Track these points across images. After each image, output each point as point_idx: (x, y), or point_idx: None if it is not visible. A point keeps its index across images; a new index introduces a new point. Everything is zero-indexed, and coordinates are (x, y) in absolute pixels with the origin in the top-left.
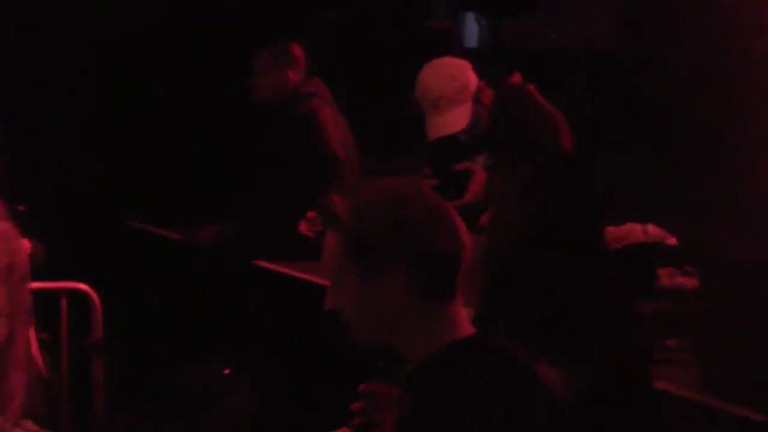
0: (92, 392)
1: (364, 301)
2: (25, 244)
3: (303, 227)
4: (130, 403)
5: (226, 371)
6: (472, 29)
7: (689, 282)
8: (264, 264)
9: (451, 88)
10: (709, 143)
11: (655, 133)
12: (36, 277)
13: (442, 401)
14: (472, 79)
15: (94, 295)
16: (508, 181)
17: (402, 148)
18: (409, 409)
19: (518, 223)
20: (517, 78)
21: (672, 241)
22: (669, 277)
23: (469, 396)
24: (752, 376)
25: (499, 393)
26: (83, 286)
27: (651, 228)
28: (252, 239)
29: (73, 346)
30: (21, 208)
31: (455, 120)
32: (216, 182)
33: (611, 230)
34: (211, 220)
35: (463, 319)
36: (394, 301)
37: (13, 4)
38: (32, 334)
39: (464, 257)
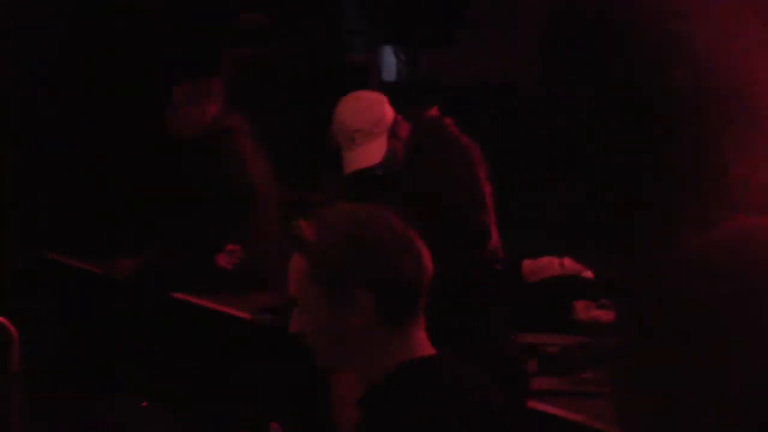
0: (10, 425)
1: (328, 325)
2: None
3: (222, 260)
4: None
5: (144, 403)
6: (390, 63)
7: (605, 315)
8: (181, 296)
9: (367, 122)
10: (622, 174)
11: (567, 167)
12: None
13: (393, 420)
14: (388, 113)
15: (12, 328)
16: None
17: (320, 182)
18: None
19: None
20: (434, 111)
21: (588, 274)
22: (586, 310)
23: (418, 414)
24: (667, 410)
25: (446, 411)
26: (1, 319)
27: (567, 261)
28: (170, 272)
29: None
30: None
31: (371, 153)
32: (135, 215)
33: (528, 263)
34: (129, 253)
35: (424, 341)
36: (358, 326)
37: None
38: None
39: (427, 282)
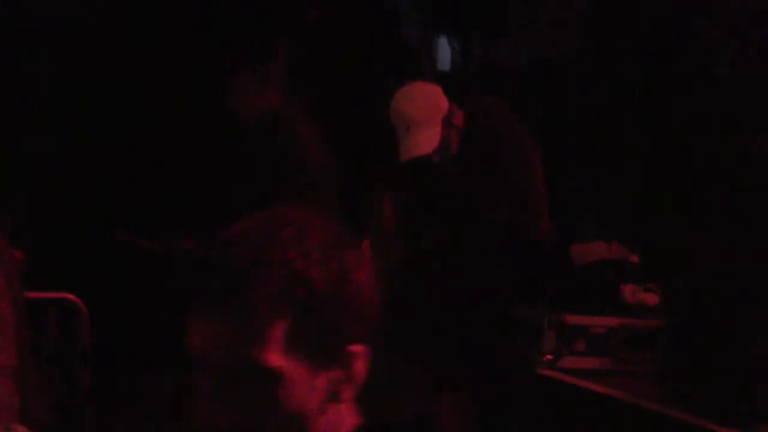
0: (77, 397)
1: None
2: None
3: None
4: (114, 408)
5: None
6: (444, 53)
7: (651, 298)
8: None
9: (421, 112)
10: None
11: (613, 150)
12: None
13: None
14: (443, 102)
15: (81, 305)
16: None
17: (374, 165)
18: None
19: None
20: (490, 100)
21: (635, 258)
22: (632, 294)
23: None
24: (710, 390)
25: None
26: (70, 296)
27: (615, 246)
28: None
29: (61, 354)
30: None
31: (426, 142)
32: (198, 197)
33: (577, 247)
34: (191, 234)
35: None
36: None
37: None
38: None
39: None
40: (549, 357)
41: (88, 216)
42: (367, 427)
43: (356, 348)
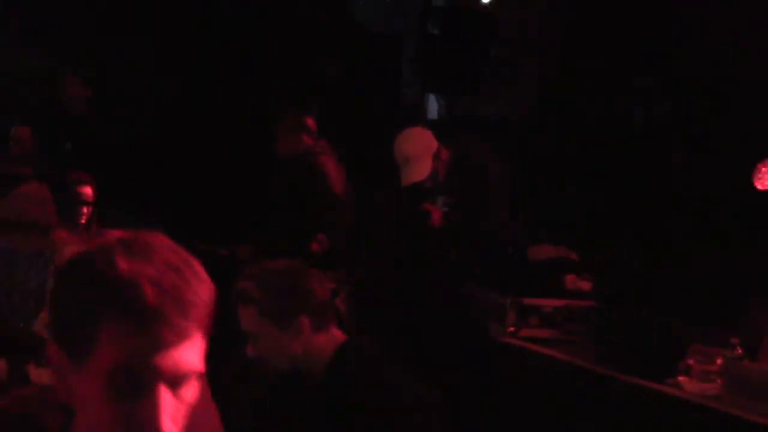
0: None
1: (279, 344)
2: None
3: (315, 246)
4: None
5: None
6: (433, 106)
7: (586, 285)
8: None
9: (417, 149)
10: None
11: (561, 179)
12: None
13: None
14: (433, 142)
15: None
16: None
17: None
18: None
19: None
20: (469, 142)
21: (574, 256)
22: (572, 283)
23: (363, 379)
24: (628, 352)
25: (378, 367)
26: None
27: (560, 248)
28: (278, 255)
29: None
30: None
31: (419, 171)
32: (253, 214)
33: (532, 248)
34: (248, 241)
35: (338, 332)
36: (301, 338)
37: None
38: None
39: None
40: (511, 329)
41: (177, 229)
42: None
43: None
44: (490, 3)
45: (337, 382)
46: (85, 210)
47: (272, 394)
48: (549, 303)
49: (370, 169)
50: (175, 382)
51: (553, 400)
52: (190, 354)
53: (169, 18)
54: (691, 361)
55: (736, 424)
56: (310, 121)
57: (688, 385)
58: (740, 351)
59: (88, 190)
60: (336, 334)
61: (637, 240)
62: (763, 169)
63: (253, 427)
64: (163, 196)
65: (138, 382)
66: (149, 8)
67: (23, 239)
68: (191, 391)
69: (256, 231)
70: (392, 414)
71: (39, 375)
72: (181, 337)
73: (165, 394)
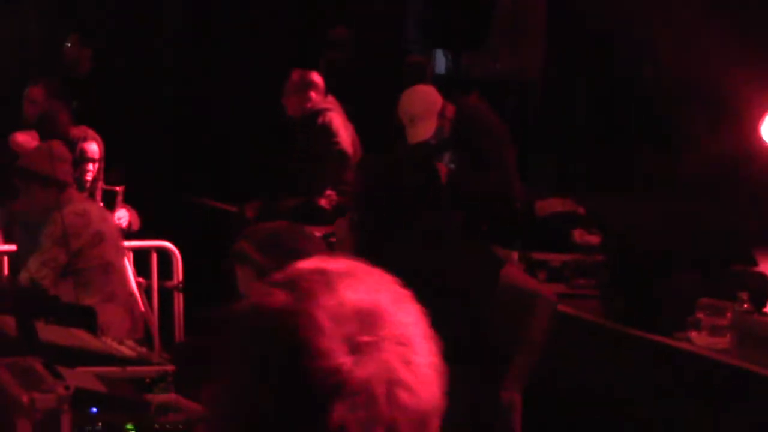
0: (174, 321)
1: None
2: (122, 215)
3: (323, 201)
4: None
5: None
6: (440, 61)
7: (594, 239)
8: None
9: (421, 107)
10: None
11: (568, 139)
12: (135, 238)
13: None
14: (438, 100)
15: (176, 251)
16: None
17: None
18: None
19: None
20: (473, 98)
21: (582, 210)
22: (580, 237)
23: None
24: (636, 307)
25: None
26: (168, 244)
27: (567, 201)
28: (285, 210)
29: (160, 288)
30: (119, 188)
31: (425, 130)
32: (261, 171)
33: (539, 202)
34: (256, 197)
35: None
36: None
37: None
38: (132, 279)
39: None
40: None
41: (187, 186)
42: None
43: None
44: None
45: None
46: (90, 167)
47: None
48: (557, 257)
49: (377, 128)
50: None
51: (561, 355)
52: None
53: None
54: (700, 315)
55: (746, 377)
56: (317, 78)
57: (697, 339)
58: (748, 305)
59: (93, 147)
60: None
61: (645, 194)
62: None
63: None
64: (172, 153)
65: None
66: None
67: (40, 193)
68: None
69: (265, 188)
70: None
71: (47, 332)
72: None
73: None
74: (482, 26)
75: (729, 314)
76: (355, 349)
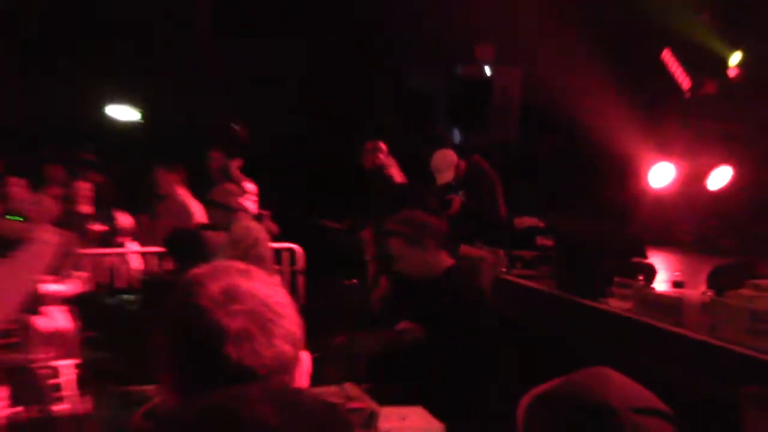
0: (297, 298)
1: (417, 258)
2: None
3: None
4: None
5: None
6: (456, 135)
7: (549, 242)
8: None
9: (444, 163)
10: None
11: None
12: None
13: (453, 294)
14: (454, 158)
15: (300, 250)
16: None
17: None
18: (440, 297)
19: None
20: (476, 157)
21: (542, 224)
22: (541, 240)
23: (467, 289)
24: (574, 282)
25: (476, 283)
26: (295, 245)
27: (534, 219)
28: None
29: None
30: (265, 212)
31: (447, 177)
32: (350, 199)
33: (517, 219)
34: (349, 217)
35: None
36: (429, 253)
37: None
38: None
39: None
40: (504, 270)
41: (310, 208)
42: None
43: None
44: (490, 75)
45: (450, 280)
46: (252, 199)
47: (407, 289)
48: (528, 254)
49: (418, 175)
50: None
51: (530, 315)
52: None
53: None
54: (614, 289)
55: (641, 325)
56: (383, 145)
57: (613, 302)
58: (643, 282)
59: (251, 187)
60: (447, 256)
61: (580, 215)
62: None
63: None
64: (304, 190)
65: None
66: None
67: (222, 216)
68: None
69: (356, 212)
70: (480, 305)
71: (41, 324)
72: None
73: None
74: (481, 116)
75: (632, 289)
76: (230, 312)
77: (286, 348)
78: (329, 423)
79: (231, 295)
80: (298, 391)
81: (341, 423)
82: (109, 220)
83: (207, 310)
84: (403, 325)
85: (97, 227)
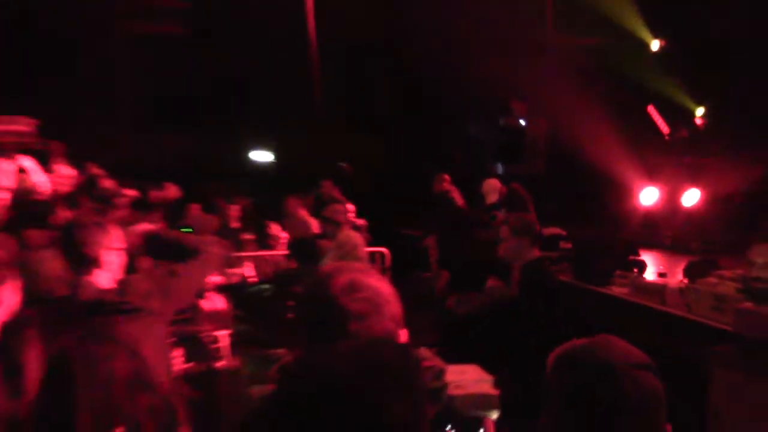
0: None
1: (517, 247)
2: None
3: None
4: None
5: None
6: (499, 167)
7: (568, 245)
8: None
9: (491, 188)
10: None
11: (558, 199)
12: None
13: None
14: (498, 185)
15: (388, 253)
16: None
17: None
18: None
19: None
20: (514, 184)
21: (564, 232)
22: (563, 244)
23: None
24: (589, 274)
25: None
26: (384, 249)
27: (557, 228)
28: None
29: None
30: (362, 224)
31: (493, 198)
32: (432, 215)
33: (545, 229)
34: (422, 229)
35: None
36: (526, 247)
37: None
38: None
39: None
40: None
41: (395, 221)
42: None
43: None
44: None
45: (536, 267)
46: (351, 215)
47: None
48: (553, 254)
49: (473, 197)
50: None
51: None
52: None
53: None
54: (616, 279)
55: (636, 307)
56: (447, 176)
57: (615, 289)
58: (637, 273)
59: (350, 207)
60: (538, 251)
61: (590, 225)
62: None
63: None
64: (391, 208)
65: None
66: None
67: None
68: None
69: (426, 225)
70: (555, 286)
71: (206, 305)
72: None
73: None
74: (518, 153)
75: (628, 279)
76: (353, 298)
77: (391, 325)
78: (399, 368)
79: (354, 286)
80: (382, 347)
81: (407, 367)
82: (260, 230)
83: (336, 296)
84: (491, 282)
85: (247, 236)
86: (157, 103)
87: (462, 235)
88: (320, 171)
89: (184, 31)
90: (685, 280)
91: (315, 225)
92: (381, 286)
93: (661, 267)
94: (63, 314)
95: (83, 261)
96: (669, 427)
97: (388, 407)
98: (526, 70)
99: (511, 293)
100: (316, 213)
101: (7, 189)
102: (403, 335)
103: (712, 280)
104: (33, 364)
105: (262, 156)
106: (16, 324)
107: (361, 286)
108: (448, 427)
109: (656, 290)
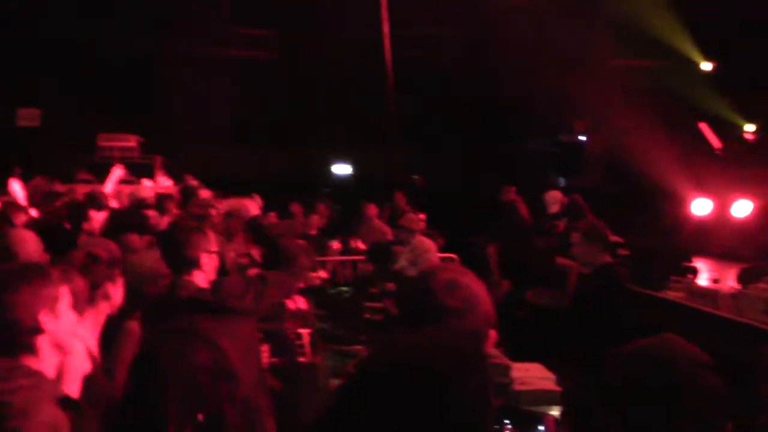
0: None
1: (586, 250)
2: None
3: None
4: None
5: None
6: (561, 180)
7: (626, 252)
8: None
9: (553, 199)
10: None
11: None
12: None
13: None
14: (560, 196)
15: (457, 258)
16: None
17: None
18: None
19: None
20: (575, 196)
21: (621, 240)
22: (620, 250)
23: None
24: (646, 280)
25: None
26: (454, 255)
27: (614, 237)
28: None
29: None
30: (434, 232)
31: (554, 209)
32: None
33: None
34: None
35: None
36: (597, 252)
37: None
38: None
39: None
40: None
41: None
42: None
43: None
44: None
45: (606, 270)
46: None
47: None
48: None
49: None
50: None
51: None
52: None
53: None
54: (672, 284)
55: (689, 309)
56: (513, 188)
57: (671, 293)
58: (691, 278)
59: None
60: (608, 257)
61: (645, 235)
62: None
63: None
64: (460, 217)
65: None
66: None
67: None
68: None
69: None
70: (619, 290)
71: (290, 305)
72: None
73: None
74: (578, 167)
75: (683, 284)
76: (453, 296)
77: (484, 324)
78: (470, 351)
79: (453, 285)
80: (458, 334)
81: (478, 352)
82: (344, 238)
83: (437, 292)
84: (529, 295)
85: (329, 242)
86: (249, 123)
87: (522, 242)
88: (394, 183)
89: (279, 57)
90: (738, 286)
91: (389, 232)
92: (477, 287)
93: (714, 273)
94: (161, 310)
95: (183, 262)
96: (730, 425)
97: (455, 386)
98: (586, 90)
99: (561, 303)
100: (391, 221)
101: (114, 197)
102: (493, 335)
103: (763, 285)
104: (131, 353)
105: (341, 169)
106: (119, 317)
107: (460, 285)
108: (506, 422)
109: (710, 295)
